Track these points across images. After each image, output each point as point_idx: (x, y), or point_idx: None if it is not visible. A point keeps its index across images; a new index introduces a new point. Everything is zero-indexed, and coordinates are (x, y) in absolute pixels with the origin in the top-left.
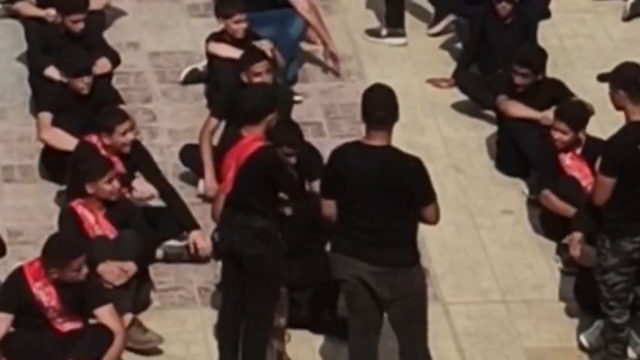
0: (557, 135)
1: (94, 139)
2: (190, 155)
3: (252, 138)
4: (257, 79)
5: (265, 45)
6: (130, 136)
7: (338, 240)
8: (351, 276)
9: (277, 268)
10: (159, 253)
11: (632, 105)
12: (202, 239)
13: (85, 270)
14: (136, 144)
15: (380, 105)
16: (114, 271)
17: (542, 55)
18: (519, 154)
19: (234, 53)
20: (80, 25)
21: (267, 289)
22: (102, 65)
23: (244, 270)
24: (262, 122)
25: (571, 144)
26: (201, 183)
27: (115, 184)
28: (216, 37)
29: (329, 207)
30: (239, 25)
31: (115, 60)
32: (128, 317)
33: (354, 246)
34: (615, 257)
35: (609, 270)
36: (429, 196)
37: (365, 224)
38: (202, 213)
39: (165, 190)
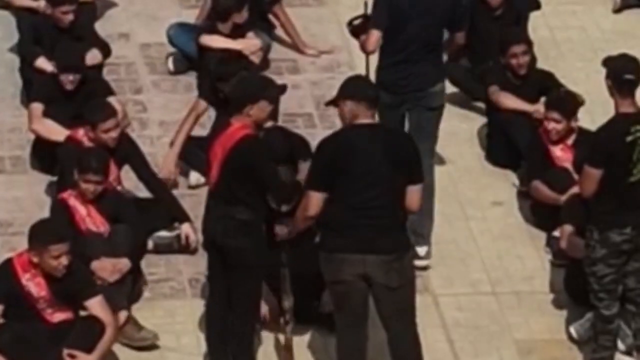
0: (551, 125)
1: (80, 132)
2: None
3: (239, 126)
4: (106, 136)
5: (253, 42)
6: (113, 134)
7: (334, 240)
8: (354, 275)
9: (259, 261)
10: (150, 244)
11: (619, 98)
12: (192, 231)
13: (65, 260)
14: (124, 137)
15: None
16: (108, 268)
17: (525, 32)
18: (509, 145)
19: (227, 44)
20: (69, 17)
21: (250, 282)
22: (92, 57)
23: (227, 263)
24: (245, 110)
25: (565, 133)
26: (192, 175)
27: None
28: (208, 29)
29: (318, 201)
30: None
31: (106, 51)
32: (123, 314)
33: (357, 241)
34: (603, 249)
35: (598, 262)
36: (422, 174)
37: (366, 212)
38: (192, 204)
39: (154, 184)
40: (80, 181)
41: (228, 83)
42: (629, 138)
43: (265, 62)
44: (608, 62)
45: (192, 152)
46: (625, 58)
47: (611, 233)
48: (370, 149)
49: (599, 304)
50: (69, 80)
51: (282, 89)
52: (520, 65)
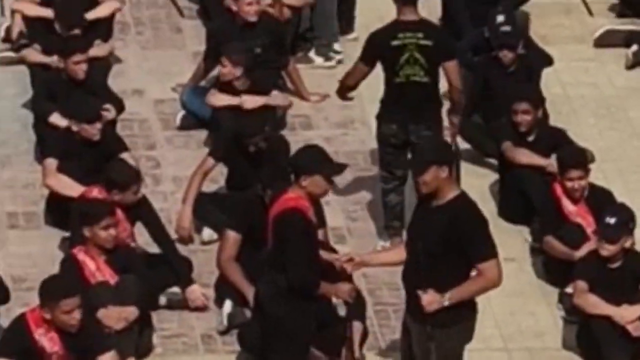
0: (576, 184)
1: (94, 191)
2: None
3: (291, 196)
4: (104, 233)
5: (280, 97)
6: (139, 195)
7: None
8: None
9: (296, 330)
10: (162, 300)
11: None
12: (197, 295)
13: (77, 315)
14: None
15: None
16: (114, 316)
17: (538, 90)
18: (521, 201)
19: (234, 101)
20: (83, 67)
21: (286, 351)
22: (106, 112)
23: (266, 328)
24: (300, 180)
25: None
26: (205, 231)
27: (112, 231)
28: (220, 88)
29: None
30: (250, 7)
31: (119, 107)
32: None
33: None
34: None
35: None
36: None
37: None
38: (205, 260)
39: (166, 244)
40: (99, 232)
41: (254, 139)
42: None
43: (282, 119)
44: None
45: (205, 208)
46: None
47: None
48: None
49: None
50: (96, 129)
51: (341, 168)
52: (520, 122)
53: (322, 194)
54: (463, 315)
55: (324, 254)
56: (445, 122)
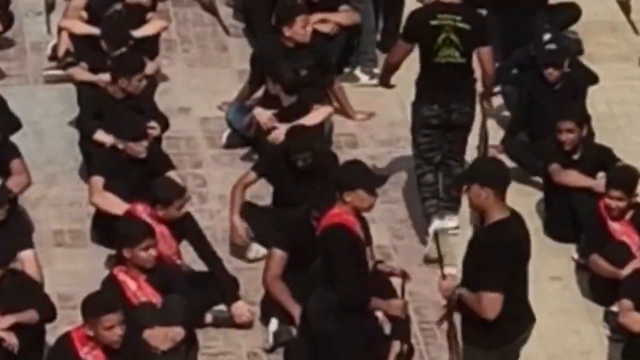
0: (613, 203)
1: (139, 208)
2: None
3: (336, 212)
4: (144, 254)
5: (323, 111)
6: (183, 211)
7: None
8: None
9: (346, 346)
10: (208, 318)
11: None
12: (242, 311)
13: (119, 331)
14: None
15: None
16: (160, 336)
17: (583, 108)
18: (568, 219)
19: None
20: (143, 84)
21: None
22: (151, 129)
23: (313, 343)
24: (343, 196)
25: (626, 209)
26: (252, 247)
27: (152, 252)
28: (265, 101)
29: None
30: (306, 30)
31: (164, 124)
32: None
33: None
34: None
35: None
36: None
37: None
38: (251, 278)
39: (212, 261)
40: (139, 253)
41: (303, 154)
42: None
43: (328, 138)
44: None
45: (255, 222)
46: None
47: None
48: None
49: None
50: (143, 147)
51: (382, 180)
52: (565, 141)
53: (367, 208)
54: (505, 339)
55: (376, 269)
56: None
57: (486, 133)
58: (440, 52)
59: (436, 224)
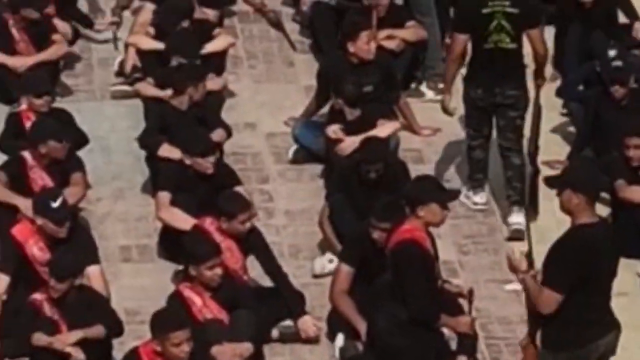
0: None
1: (207, 221)
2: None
3: (407, 228)
4: (210, 273)
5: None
6: (248, 225)
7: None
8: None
9: None
10: (275, 333)
11: None
12: (308, 326)
13: (186, 347)
14: (251, 228)
15: None
16: (228, 352)
17: None
18: (634, 234)
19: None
20: (205, 90)
21: None
22: (217, 135)
23: (382, 359)
24: (416, 211)
25: None
26: (317, 262)
27: (218, 271)
28: (331, 117)
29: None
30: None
31: (228, 134)
32: None
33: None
34: None
35: None
36: None
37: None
38: (317, 294)
39: (278, 276)
40: (204, 271)
41: (376, 165)
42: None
43: (394, 154)
44: None
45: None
46: None
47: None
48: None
49: None
50: (210, 162)
51: (455, 194)
52: (632, 157)
53: (439, 223)
54: (575, 343)
55: (443, 287)
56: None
57: (539, 109)
58: (490, 38)
59: (477, 198)
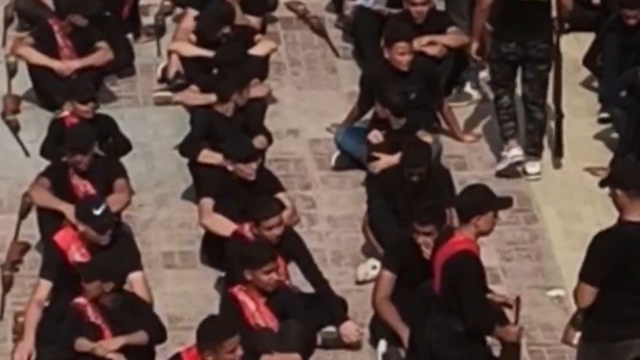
0: None
1: (245, 228)
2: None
3: (460, 239)
4: (266, 277)
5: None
6: (276, 232)
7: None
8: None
9: None
10: (318, 339)
11: None
12: (351, 331)
13: (239, 352)
14: (291, 233)
15: None
16: None
17: None
18: None
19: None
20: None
21: None
22: (258, 142)
23: None
24: (473, 220)
25: None
26: (360, 269)
27: (274, 275)
28: (374, 124)
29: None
30: (403, 57)
31: (269, 140)
32: None
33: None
34: None
35: None
36: None
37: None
38: (360, 300)
39: (318, 282)
40: (260, 276)
41: (418, 169)
42: None
43: (437, 160)
44: None
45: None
46: None
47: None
48: None
49: None
50: (252, 169)
51: (509, 201)
52: None
53: (490, 231)
54: (607, 337)
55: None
56: None
57: (560, 57)
58: None
59: (514, 151)
